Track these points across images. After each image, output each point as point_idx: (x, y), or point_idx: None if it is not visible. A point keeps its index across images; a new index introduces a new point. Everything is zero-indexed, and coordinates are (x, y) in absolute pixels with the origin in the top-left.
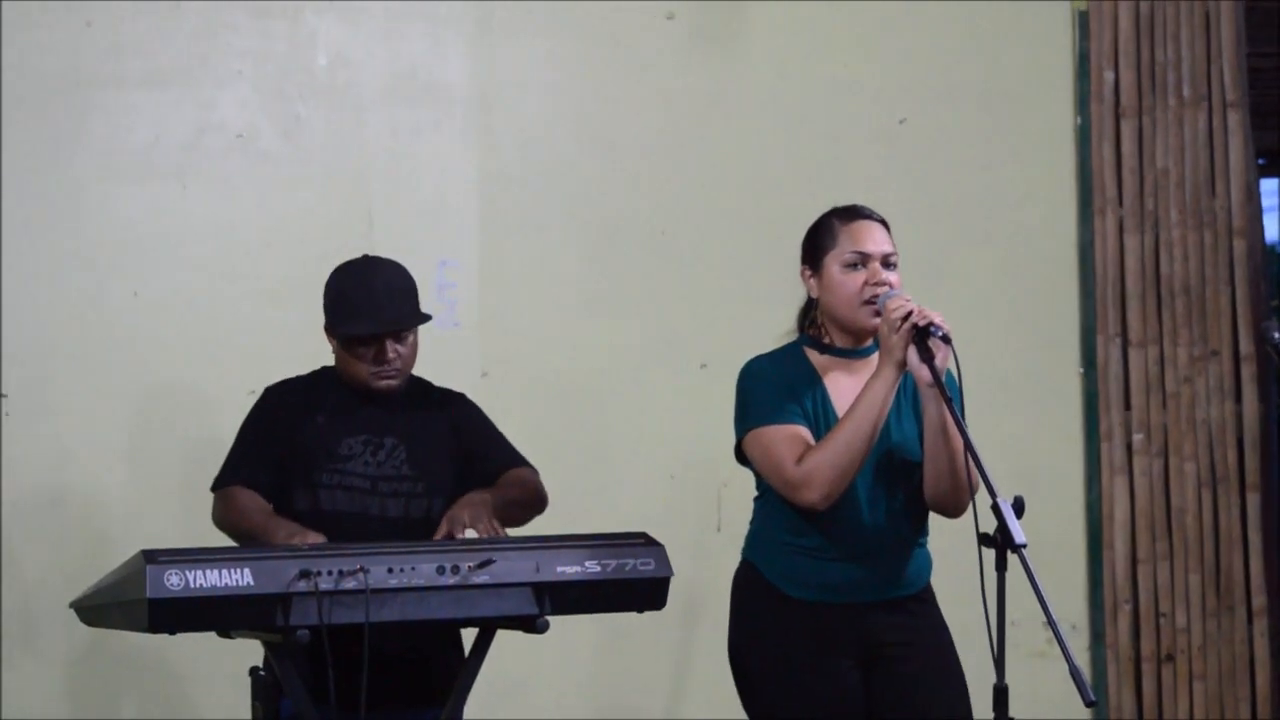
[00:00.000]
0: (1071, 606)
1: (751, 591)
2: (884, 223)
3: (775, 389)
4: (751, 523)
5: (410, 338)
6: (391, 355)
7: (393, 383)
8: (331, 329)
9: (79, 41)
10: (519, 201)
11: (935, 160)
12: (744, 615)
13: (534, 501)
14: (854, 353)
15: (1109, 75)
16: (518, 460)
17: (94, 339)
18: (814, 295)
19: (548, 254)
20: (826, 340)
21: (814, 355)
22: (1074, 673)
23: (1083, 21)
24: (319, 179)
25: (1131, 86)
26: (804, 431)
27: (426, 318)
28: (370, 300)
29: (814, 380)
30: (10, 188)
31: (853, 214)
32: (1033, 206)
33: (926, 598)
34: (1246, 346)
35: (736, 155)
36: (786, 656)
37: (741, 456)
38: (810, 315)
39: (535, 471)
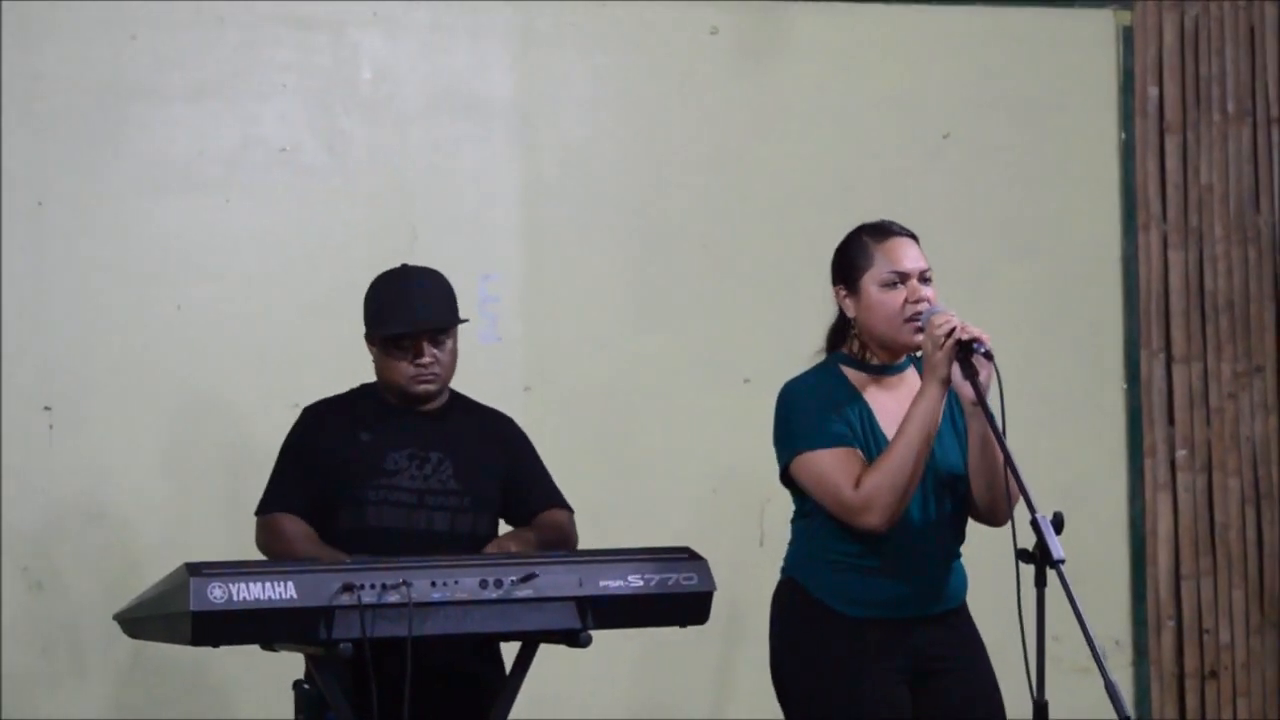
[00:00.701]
0: (1115, 622)
1: (798, 609)
2: (914, 237)
3: (820, 410)
4: (791, 542)
5: (449, 344)
6: (428, 359)
7: (430, 387)
8: (370, 334)
9: (122, 54)
10: (561, 215)
11: (979, 175)
12: (790, 632)
13: (564, 546)
14: (890, 369)
15: (1153, 90)
16: (556, 500)
17: (136, 352)
18: (851, 314)
19: (590, 268)
20: (864, 358)
21: (851, 373)
22: (1110, 689)
23: (1127, 36)
24: (361, 193)
25: (1175, 101)
26: (856, 453)
27: (463, 320)
28: (406, 302)
29: (856, 398)
30: (53, 200)
31: (885, 232)
32: (1076, 221)
33: (964, 612)
34: None
35: (779, 169)
36: (836, 672)
37: (785, 479)
38: (845, 334)
39: (571, 513)
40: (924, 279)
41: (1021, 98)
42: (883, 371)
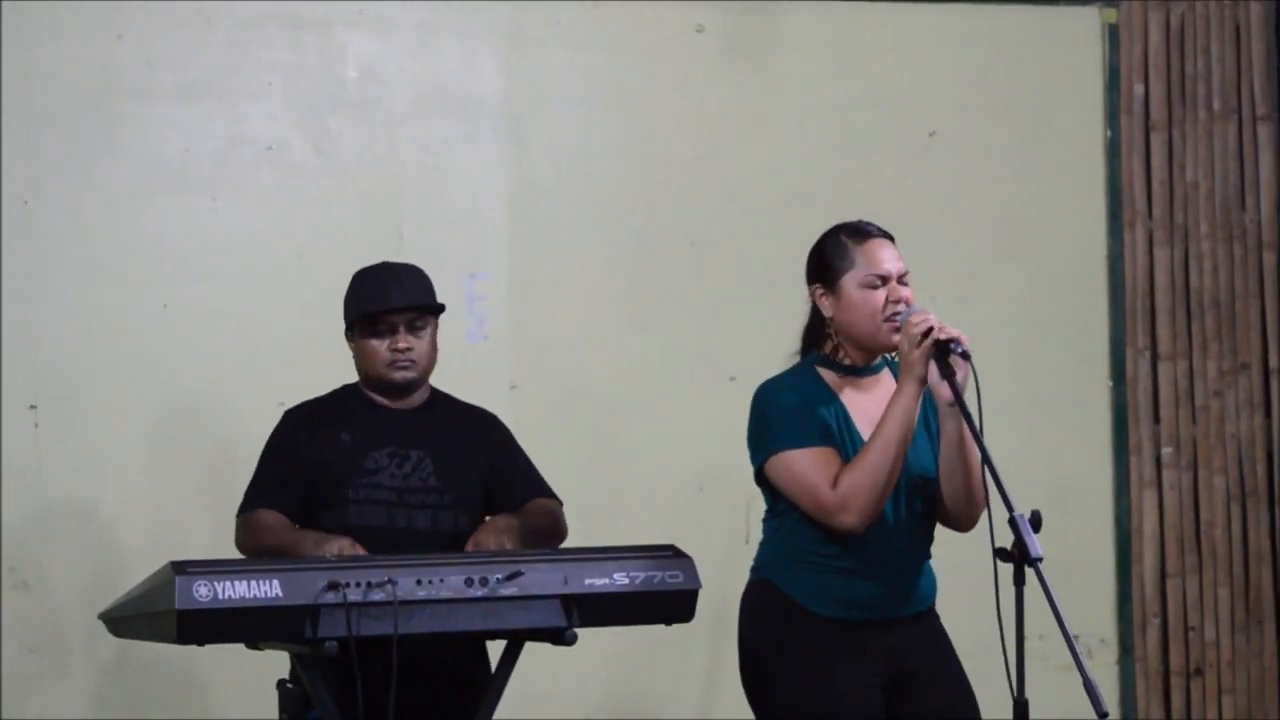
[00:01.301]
0: (1100, 620)
1: (772, 610)
2: (891, 238)
3: (797, 410)
4: (765, 542)
5: (426, 334)
6: (405, 344)
7: (409, 374)
8: (349, 320)
9: (110, 54)
10: (549, 214)
11: (965, 173)
12: (764, 633)
13: (556, 534)
14: (865, 370)
15: (1139, 88)
16: (543, 490)
17: (124, 351)
18: (828, 314)
19: (577, 267)
20: (839, 358)
21: (827, 374)
22: (1087, 685)
23: (1112, 34)
24: (349, 192)
25: (1161, 99)
26: (833, 453)
27: (440, 306)
28: (382, 286)
29: (832, 399)
30: (41, 200)
31: (864, 233)
32: (1062, 219)
33: (934, 614)
34: (1276, 360)
35: (766, 167)
36: (811, 673)
37: (760, 478)
38: (819, 334)
39: (559, 503)
40: (902, 281)
41: (1007, 96)
42: (858, 372)
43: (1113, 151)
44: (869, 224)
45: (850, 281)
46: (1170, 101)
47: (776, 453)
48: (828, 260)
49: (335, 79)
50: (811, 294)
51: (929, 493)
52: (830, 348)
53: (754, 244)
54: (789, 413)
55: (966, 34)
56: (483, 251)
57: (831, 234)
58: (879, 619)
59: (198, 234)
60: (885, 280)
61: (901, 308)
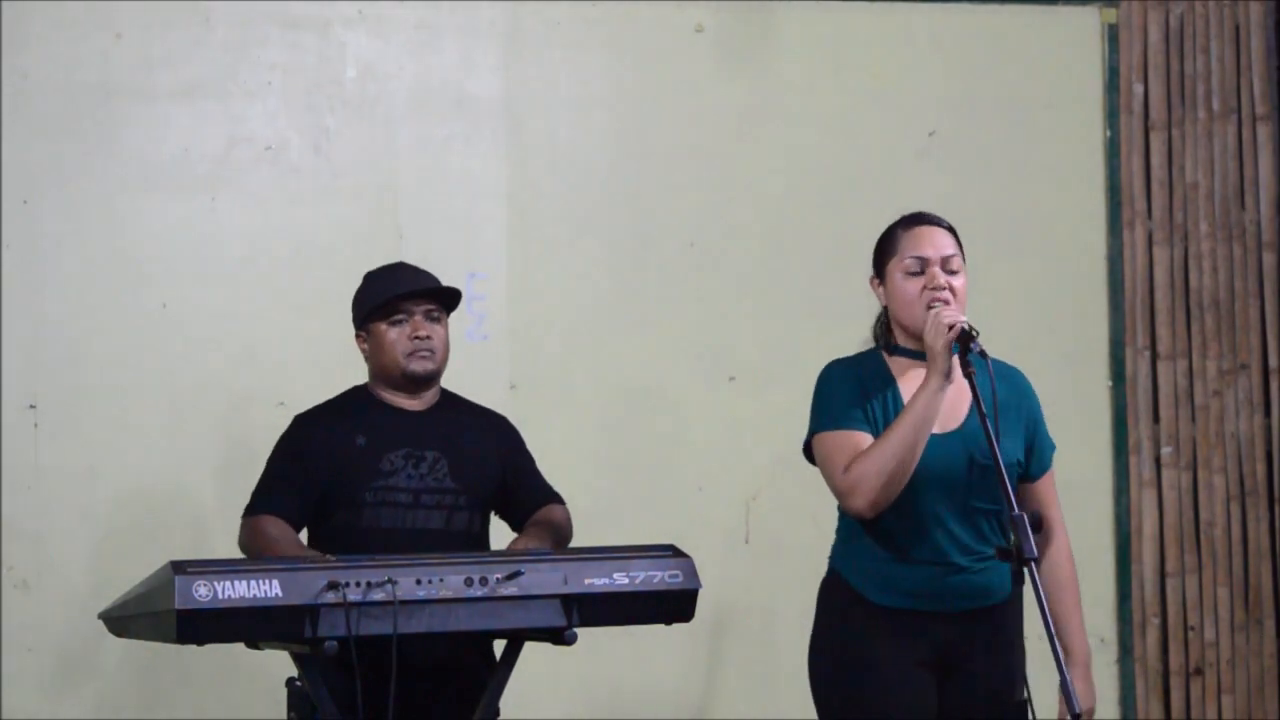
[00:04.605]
0: (1100, 620)
1: (835, 599)
2: (949, 228)
3: (845, 392)
4: (836, 532)
5: (443, 326)
6: (425, 333)
7: (429, 364)
8: (364, 315)
9: (109, 54)
10: (548, 214)
11: (964, 173)
12: (825, 622)
13: (566, 541)
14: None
15: (1138, 88)
16: (551, 496)
17: (123, 351)
18: (882, 303)
19: (576, 267)
20: (899, 345)
21: (890, 359)
22: (1063, 686)
23: (1112, 34)
24: (348, 191)
25: (1161, 99)
26: (862, 437)
27: (459, 294)
28: (399, 277)
29: (888, 382)
30: (41, 199)
31: (915, 220)
32: (1062, 219)
33: (1002, 611)
34: (1276, 359)
35: (765, 167)
36: (865, 664)
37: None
38: (883, 323)
39: (565, 506)
40: (948, 267)
41: (1007, 95)
42: (920, 357)
43: (1112, 151)
44: (926, 213)
45: (894, 269)
46: (1170, 101)
47: (815, 434)
48: (880, 249)
49: (334, 79)
50: (870, 284)
51: (991, 484)
52: (893, 335)
53: (753, 244)
54: (832, 395)
55: (966, 34)
56: (482, 251)
57: (891, 225)
58: (937, 610)
59: (197, 233)
60: (926, 264)
61: (945, 294)
